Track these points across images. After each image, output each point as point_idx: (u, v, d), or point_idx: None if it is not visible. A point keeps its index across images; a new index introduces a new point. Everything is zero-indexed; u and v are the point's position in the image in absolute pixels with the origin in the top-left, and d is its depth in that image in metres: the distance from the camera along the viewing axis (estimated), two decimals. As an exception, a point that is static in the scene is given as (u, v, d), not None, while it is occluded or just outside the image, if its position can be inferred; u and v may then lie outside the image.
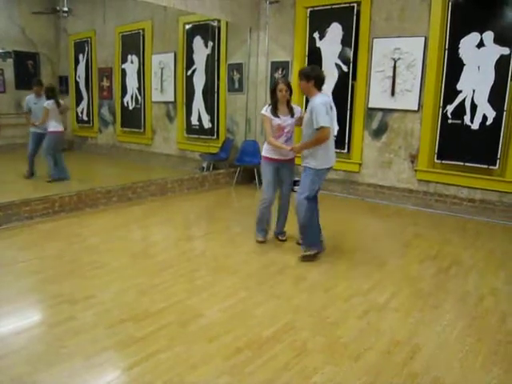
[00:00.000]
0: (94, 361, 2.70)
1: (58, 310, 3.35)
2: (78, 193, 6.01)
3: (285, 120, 4.68)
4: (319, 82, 4.46)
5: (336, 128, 7.43)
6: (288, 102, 4.72)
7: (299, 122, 4.78)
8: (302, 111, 4.89)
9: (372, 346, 2.94)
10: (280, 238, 5.09)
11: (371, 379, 2.58)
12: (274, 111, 4.67)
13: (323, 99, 4.36)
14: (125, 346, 2.87)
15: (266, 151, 4.82)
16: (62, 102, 7.56)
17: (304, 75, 4.46)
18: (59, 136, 7.57)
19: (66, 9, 8.77)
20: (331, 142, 4.52)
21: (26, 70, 11.64)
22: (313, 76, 4.42)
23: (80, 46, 11.67)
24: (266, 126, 4.71)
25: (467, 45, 6.08)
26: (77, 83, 12.00)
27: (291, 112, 4.73)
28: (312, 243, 4.52)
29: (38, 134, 7.52)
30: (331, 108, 4.44)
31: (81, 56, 11.73)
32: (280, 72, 7.94)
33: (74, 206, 5.94)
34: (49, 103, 7.30)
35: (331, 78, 7.36)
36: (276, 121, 4.66)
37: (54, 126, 7.38)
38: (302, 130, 4.61)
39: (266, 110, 4.72)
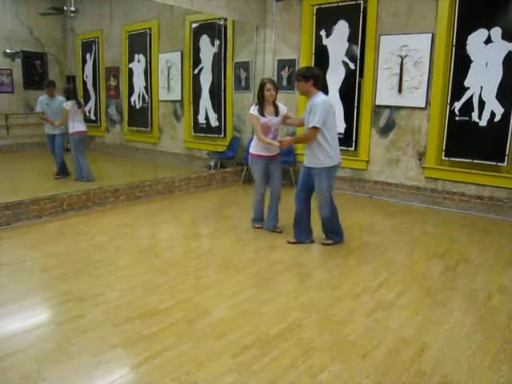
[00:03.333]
0: (102, 358, 2.72)
1: (66, 307, 3.37)
2: (86, 192, 6.05)
3: (270, 119, 4.89)
4: (318, 81, 4.52)
5: (339, 126, 7.43)
6: (274, 102, 4.92)
7: (285, 120, 5.04)
8: (286, 110, 5.08)
9: (379, 343, 2.93)
10: (277, 230, 5.30)
11: (379, 377, 2.58)
12: (261, 110, 4.87)
13: (324, 98, 4.45)
14: (133, 343, 2.88)
15: (254, 149, 5.06)
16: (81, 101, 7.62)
17: (302, 76, 4.51)
18: (83, 136, 7.63)
19: (73, 8, 8.79)
20: (335, 139, 4.64)
21: (34, 69, 11.71)
22: (311, 76, 4.47)
23: (87, 46, 11.72)
24: (256, 124, 4.89)
25: (475, 41, 6.03)
26: (84, 83, 12.05)
27: (276, 111, 4.93)
28: (334, 233, 4.92)
29: (50, 135, 7.61)
30: (331, 106, 4.52)
31: (88, 55, 11.78)
32: (287, 70, 7.93)
33: (83, 205, 5.97)
34: (67, 104, 7.35)
35: (338, 76, 7.35)
36: (262, 119, 4.86)
37: (76, 127, 7.42)
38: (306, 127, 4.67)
39: (253, 110, 4.89)
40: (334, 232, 4.91)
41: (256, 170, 5.14)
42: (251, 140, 5.08)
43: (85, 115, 12.07)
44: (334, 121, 4.64)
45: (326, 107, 4.42)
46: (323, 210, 4.76)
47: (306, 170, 4.74)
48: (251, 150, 5.09)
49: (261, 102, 4.89)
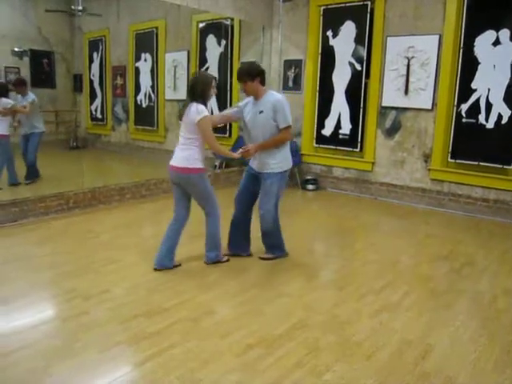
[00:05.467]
0: (107, 355, 2.73)
1: (72, 304, 3.39)
2: (91, 190, 6.08)
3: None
4: (263, 78, 4.01)
5: (345, 126, 7.44)
6: None
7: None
8: None
9: (384, 345, 2.93)
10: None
11: (383, 378, 2.58)
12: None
13: (281, 95, 4.07)
14: (137, 340, 2.90)
15: (201, 162, 3.97)
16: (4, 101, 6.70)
17: (246, 75, 3.95)
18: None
19: (80, 7, 8.84)
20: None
21: (42, 68, 11.76)
22: (256, 73, 3.96)
23: (94, 45, 11.77)
24: (210, 129, 3.86)
25: (483, 43, 6.02)
26: (91, 81, 12.10)
27: None
28: (277, 248, 4.41)
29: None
30: None
31: (95, 54, 11.83)
32: (293, 70, 7.93)
33: (88, 203, 6.00)
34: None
35: (344, 77, 7.35)
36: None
37: None
38: (252, 130, 4.10)
39: (206, 111, 3.81)
40: (275, 246, 4.39)
41: (207, 183, 4.09)
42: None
43: (91, 113, 12.16)
44: None
45: (288, 102, 4.01)
46: (266, 220, 4.19)
47: (253, 174, 4.24)
48: (197, 165, 3.92)
49: (206, 102, 3.89)
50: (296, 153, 7.84)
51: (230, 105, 8.94)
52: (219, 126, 4.41)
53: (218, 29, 8.82)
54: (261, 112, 3.99)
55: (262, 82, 4.01)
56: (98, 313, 3.26)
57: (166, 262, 4.08)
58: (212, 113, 9.09)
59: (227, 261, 4.32)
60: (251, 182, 4.26)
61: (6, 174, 6.70)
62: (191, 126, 3.84)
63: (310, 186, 7.71)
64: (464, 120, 6.28)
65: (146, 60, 10.44)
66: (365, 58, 7.11)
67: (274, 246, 4.39)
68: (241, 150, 4.05)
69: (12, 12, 10.84)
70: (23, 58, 10.98)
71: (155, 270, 4.04)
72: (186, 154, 3.95)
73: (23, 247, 4.66)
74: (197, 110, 3.77)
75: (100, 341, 2.89)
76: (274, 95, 4.03)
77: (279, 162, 4.07)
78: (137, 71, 10.73)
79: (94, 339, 2.91)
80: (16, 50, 10.84)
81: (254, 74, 3.94)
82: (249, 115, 4.09)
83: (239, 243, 4.43)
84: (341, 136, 7.49)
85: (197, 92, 3.82)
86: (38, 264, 4.18)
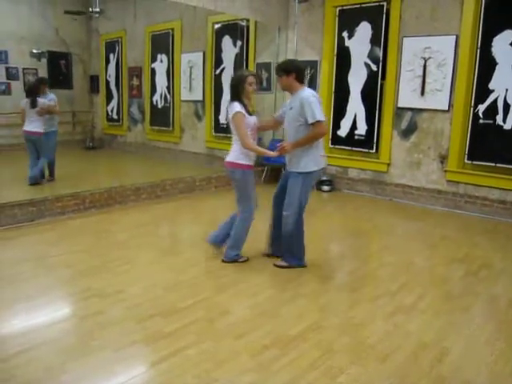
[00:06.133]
0: (123, 354, 2.76)
1: (89, 303, 3.43)
2: (108, 189, 6.14)
3: (255, 118, 4.14)
4: (301, 75, 4.06)
5: (360, 127, 7.41)
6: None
7: (260, 125, 4.28)
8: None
9: (399, 347, 2.91)
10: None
11: (398, 381, 2.57)
12: (246, 108, 4.01)
13: (312, 91, 4.02)
14: (153, 340, 2.92)
15: (246, 158, 4.07)
16: (42, 100, 6.93)
17: (282, 70, 4.03)
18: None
19: (97, 9, 8.93)
20: (321, 140, 4.10)
21: (59, 69, 11.93)
22: (292, 69, 4.00)
23: (111, 46, 11.89)
24: (244, 126, 3.95)
25: (500, 43, 5.95)
26: (107, 82, 12.23)
27: (253, 110, 4.23)
28: (294, 257, 4.20)
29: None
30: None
31: (111, 55, 11.95)
32: (309, 71, 7.92)
33: (104, 203, 6.06)
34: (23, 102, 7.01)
35: (360, 78, 7.32)
36: (251, 119, 4.05)
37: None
38: (286, 128, 4.21)
39: (240, 107, 3.95)
40: (293, 253, 4.21)
41: (250, 184, 4.15)
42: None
43: (107, 114, 12.25)
44: None
45: (318, 98, 3.97)
46: (286, 223, 4.10)
47: (286, 175, 4.25)
48: (240, 160, 4.04)
49: (241, 99, 4.00)
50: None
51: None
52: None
53: (234, 30, 8.85)
54: (291, 108, 4.03)
55: (298, 79, 4.02)
56: (114, 312, 3.30)
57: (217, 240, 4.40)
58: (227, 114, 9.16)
59: (245, 261, 4.33)
60: (286, 182, 4.18)
61: (27, 172, 6.95)
62: (230, 123, 4.04)
63: (326, 187, 7.69)
64: (481, 121, 6.21)
65: (161, 61, 10.51)
66: (381, 58, 7.08)
67: (292, 253, 4.20)
68: (277, 146, 4.03)
69: (30, 14, 11.02)
70: (41, 59, 11.16)
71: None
72: (232, 148, 4.13)
73: (40, 246, 4.72)
74: (230, 108, 3.99)
75: (116, 339, 2.92)
76: (303, 91, 3.99)
77: (304, 161, 4.00)
78: (153, 72, 10.80)
79: (109, 338, 2.94)
80: (34, 51, 11.02)
81: (289, 70, 3.99)
82: (286, 112, 4.16)
83: (279, 246, 4.32)
84: (356, 137, 7.46)
85: (232, 91, 4.06)
86: (55, 263, 4.24)
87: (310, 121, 3.86)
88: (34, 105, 6.80)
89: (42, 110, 6.85)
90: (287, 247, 4.21)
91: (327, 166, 4.30)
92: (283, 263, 4.22)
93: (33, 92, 6.91)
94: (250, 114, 4.06)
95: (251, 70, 4.34)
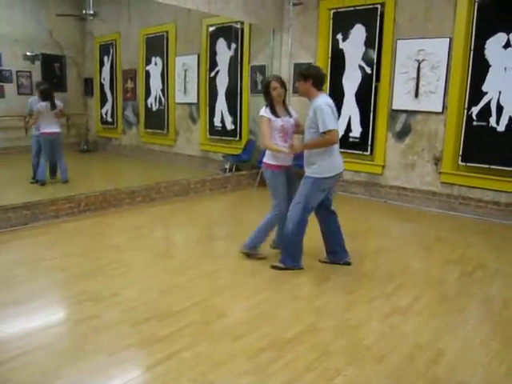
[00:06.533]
0: (118, 358, 2.75)
1: (83, 307, 3.42)
2: (102, 193, 6.12)
3: (287, 120, 4.28)
4: (318, 81, 4.04)
5: (355, 130, 7.43)
6: (284, 102, 4.35)
7: (298, 129, 4.41)
8: (297, 115, 4.45)
9: (395, 349, 2.92)
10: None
11: (394, 382, 2.57)
12: (273, 112, 4.24)
13: (326, 100, 4.01)
14: (149, 343, 2.91)
15: (274, 159, 4.27)
16: (59, 103, 7.52)
17: (300, 74, 4.06)
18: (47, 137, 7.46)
19: (91, 12, 8.91)
20: (336, 146, 4.09)
21: (53, 72, 11.89)
22: (310, 75, 4.01)
23: (105, 49, 11.87)
24: (265, 128, 4.21)
25: (493, 45, 5.99)
26: (101, 85, 12.20)
27: (288, 112, 4.35)
28: (291, 257, 4.21)
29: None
30: (334, 108, 4.07)
31: (106, 58, 11.93)
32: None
33: (99, 206, 6.04)
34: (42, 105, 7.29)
35: (354, 80, 7.34)
36: (278, 122, 4.22)
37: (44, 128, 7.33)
38: (304, 134, 4.25)
39: (264, 111, 4.25)
40: (289, 253, 4.23)
41: (279, 183, 4.32)
42: None
43: (102, 117, 12.23)
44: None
45: (332, 107, 3.97)
46: (288, 221, 4.14)
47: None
48: (269, 161, 4.29)
49: (270, 103, 4.26)
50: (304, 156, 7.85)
51: (241, 107, 8.97)
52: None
53: (228, 32, 8.87)
54: (308, 115, 4.08)
55: (315, 85, 4.03)
56: (109, 315, 3.28)
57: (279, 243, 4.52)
58: (222, 117, 9.18)
59: (260, 258, 4.42)
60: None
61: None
62: None
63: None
64: (475, 123, 6.25)
65: (156, 64, 10.51)
66: (375, 61, 7.10)
67: (288, 253, 4.21)
68: (290, 143, 4.22)
69: (23, 17, 10.98)
70: (35, 62, 11.13)
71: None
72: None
73: (35, 249, 4.70)
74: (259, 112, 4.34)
75: (111, 343, 2.91)
76: (318, 99, 4.00)
77: (318, 166, 4.02)
78: (147, 75, 10.80)
79: (104, 342, 2.93)
80: (28, 54, 10.98)
81: (306, 75, 4.02)
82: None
83: (333, 251, 4.37)
84: (351, 139, 7.47)
85: (263, 96, 4.36)
86: (50, 266, 4.22)
87: (321, 129, 3.90)
88: (53, 107, 7.31)
89: (60, 112, 7.44)
90: (286, 247, 4.24)
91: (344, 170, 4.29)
92: (280, 265, 4.22)
93: (51, 95, 7.37)
94: (279, 117, 4.22)
95: (276, 75, 4.61)
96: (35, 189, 7.07)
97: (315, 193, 4.06)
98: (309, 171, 4.09)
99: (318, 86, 4.05)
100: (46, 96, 7.31)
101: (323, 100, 3.98)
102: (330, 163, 4.04)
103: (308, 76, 4.01)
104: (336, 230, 4.35)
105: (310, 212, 4.14)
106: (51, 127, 7.32)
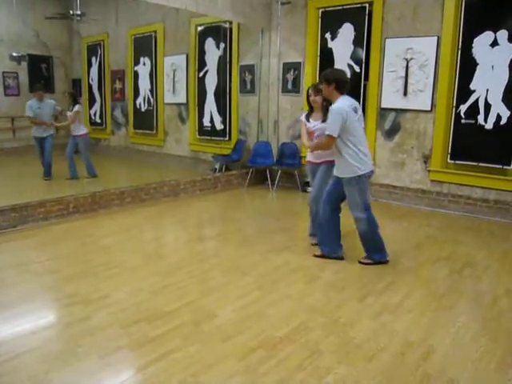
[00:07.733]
0: (109, 360, 2.73)
1: (73, 309, 3.39)
2: (91, 194, 6.08)
3: (315, 125, 4.65)
4: (341, 86, 4.18)
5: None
6: (323, 107, 4.57)
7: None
8: None
9: (385, 346, 2.93)
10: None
11: (385, 380, 2.58)
12: (308, 116, 4.77)
13: (343, 104, 4.12)
14: (139, 345, 2.90)
15: (310, 155, 4.86)
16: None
17: (324, 78, 4.23)
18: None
19: (79, 12, 8.84)
20: (363, 144, 4.26)
21: (40, 73, 11.80)
22: (333, 79, 4.16)
23: (93, 49, 11.80)
24: (302, 129, 4.83)
25: (481, 44, 6.03)
26: (90, 86, 12.13)
27: (325, 117, 4.46)
28: (377, 252, 4.42)
29: (39, 138, 7.89)
30: (356, 110, 4.21)
31: (94, 59, 11.86)
32: (292, 73, 7.95)
33: (88, 207, 6.00)
34: (80, 107, 7.95)
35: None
36: (308, 125, 4.74)
37: (84, 129, 8.12)
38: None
39: (302, 115, 4.88)
40: (373, 250, 4.42)
41: (310, 175, 5.03)
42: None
43: (90, 118, 12.18)
44: (359, 125, 4.26)
45: (343, 113, 4.05)
46: (358, 225, 4.40)
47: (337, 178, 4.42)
48: (307, 157, 4.93)
49: (310, 107, 4.80)
50: (296, 155, 7.86)
51: (230, 107, 8.96)
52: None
53: (217, 32, 8.85)
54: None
55: (338, 89, 4.17)
56: (99, 317, 3.26)
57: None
58: (212, 117, 9.17)
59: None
60: (336, 184, 4.41)
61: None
62: None
63: (310, 188, 7.68)
64: (463, 121, 6.29)
65: (144, 64, 10.47)
66: (363, 60, 7.13)
67: (372, 250, 4.41)
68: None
69: (9, 16, 10.87)
70: (21, 62, 11.00)
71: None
72: None
73: (23, 252, 4.66)
74: None
75: (101, 346, 2.89)
76: (337, 102, 4.16)
77: (340, 168, 4.26)
78: (136, 75, 10.75)
79: (95, 344, 2.90)
80: (14, 54, 10.86)
81: (330, 79, 4.17)
82: None
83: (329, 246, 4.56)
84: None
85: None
86: (39, 269, 4.18)
87: (326, 132, 4.13)
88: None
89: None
90: (369, 245, 4.41)
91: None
92: (368, 260, 4.41)
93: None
94: (309, 121, 4.72)
95: (314, 84, 4.92)
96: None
97: (360, 190, 4.23)
98: (336, 174, 4.33)
99: (341, 89, 4.19)
100: (76, 98, 8.09)
101: (340, 103, 4.13)
102: (347, 164, 4.18)
103: (331, 80, 4.16)
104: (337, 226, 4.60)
105: (368, 207, 4.32)
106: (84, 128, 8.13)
